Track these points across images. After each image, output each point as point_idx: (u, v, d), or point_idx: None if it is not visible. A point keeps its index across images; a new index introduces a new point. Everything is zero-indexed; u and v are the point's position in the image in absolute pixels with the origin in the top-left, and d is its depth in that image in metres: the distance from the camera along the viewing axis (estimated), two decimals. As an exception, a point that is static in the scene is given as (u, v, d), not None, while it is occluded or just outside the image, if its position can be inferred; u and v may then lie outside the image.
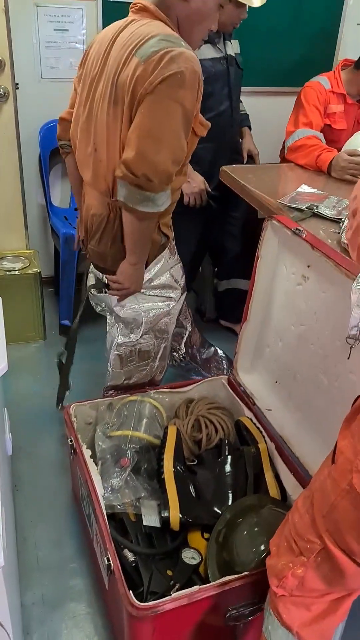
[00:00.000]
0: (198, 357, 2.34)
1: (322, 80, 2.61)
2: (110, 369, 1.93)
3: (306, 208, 1.92)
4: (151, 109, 1.41)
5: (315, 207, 1.90)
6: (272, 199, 2.04)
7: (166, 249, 1.76)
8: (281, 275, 1.79)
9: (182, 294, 1.89)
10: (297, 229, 1.60)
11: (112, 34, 1.53)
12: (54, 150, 2.79)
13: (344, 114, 2.64)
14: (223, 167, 2.41)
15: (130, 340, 1.85)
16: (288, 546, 1.10)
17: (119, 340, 1.86)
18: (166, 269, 1.80)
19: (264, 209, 2.02)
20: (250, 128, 2.79)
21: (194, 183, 2.37)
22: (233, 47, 2.47)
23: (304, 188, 2.12)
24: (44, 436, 2.23)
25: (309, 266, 1.65)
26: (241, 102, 2.66)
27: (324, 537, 1.01)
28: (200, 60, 1.50)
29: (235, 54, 2.48)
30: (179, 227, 1.86)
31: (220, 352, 2.43)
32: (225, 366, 2.38)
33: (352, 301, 1.44)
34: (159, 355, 1.93)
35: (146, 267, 1.71)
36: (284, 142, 2.75)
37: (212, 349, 2.42)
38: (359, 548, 0.96)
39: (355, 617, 1.26)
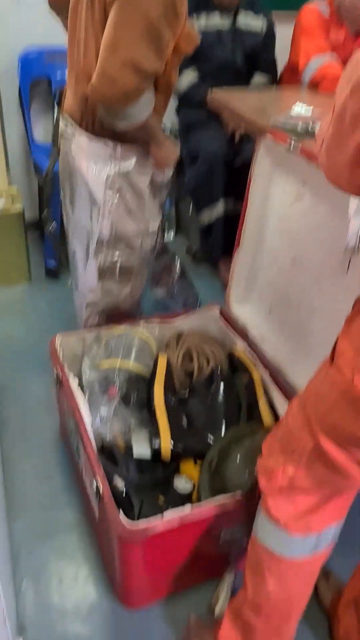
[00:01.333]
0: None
1: (321, 6, 2.47)
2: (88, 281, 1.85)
3: (300, 128, 1.82)
4: (113, 18, 1.32)
5: (310, 126, 1.80)
6: (265, 121, 1.93)
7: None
8: (275, 197, 1.70)
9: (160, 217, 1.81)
10: (292, 139, 1.50)
11: None
12: (35, 82, 2.64)
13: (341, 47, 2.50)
14: (213, 91, 2.30)
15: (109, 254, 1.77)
16: (280, 446, 1.10)
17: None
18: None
19: (256, 129, 1.91)
20: None
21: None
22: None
23: (299, 106, 2.01)
24: (31, 376, 2.17)
25: (304, 184, 1.57)
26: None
27: (319, 435, 1.00)
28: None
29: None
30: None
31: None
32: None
33: (350, 210, 1.37)
34: (139, 272, 1.86)
35: None
36: (283, 68, 2.64)
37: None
38: (357, 444, 0.96)
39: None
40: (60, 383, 1.66)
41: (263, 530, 1.15)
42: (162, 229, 1.98)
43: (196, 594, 1.45)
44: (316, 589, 1.48)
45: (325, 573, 1.51)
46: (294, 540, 1.12)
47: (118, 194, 1.62)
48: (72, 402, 1.54)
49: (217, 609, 1.39)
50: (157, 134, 1.57)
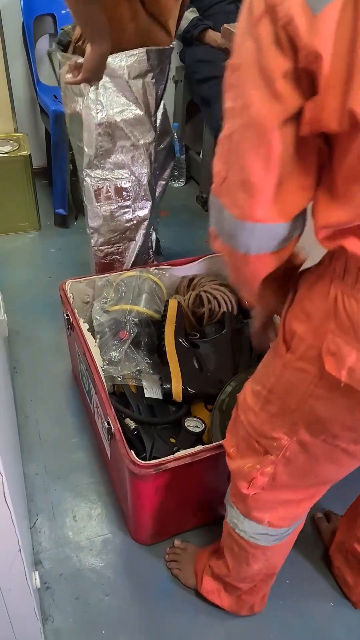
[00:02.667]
0: None
1: None
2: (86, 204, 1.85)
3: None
4: None
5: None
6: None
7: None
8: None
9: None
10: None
11: None
12: (39, 17, 2.53)
13: None
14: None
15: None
16: (249, 447, 1.02)
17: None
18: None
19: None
20: None
21: None
22: None
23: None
24: (42, 321, 2.17)
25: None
26: None
27: (295, 430, 0.92)
28: None
29: None
30: None
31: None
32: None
33: None
34: (138, 194, 1.84)
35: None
36: None
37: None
38: (342, 431, 0.88)
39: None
40: (71, 327, 1.66)
41: (244, 526, 1.12)
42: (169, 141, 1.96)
43: (205, 532, 1.48)
44: (318, 530, 1.51)
45: (327, 514, 1.54)
46: (280, 531, 1.10)
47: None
48: (84, 345, 1.54)
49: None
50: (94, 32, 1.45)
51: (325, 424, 0.88)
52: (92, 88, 1.59)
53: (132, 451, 1.26)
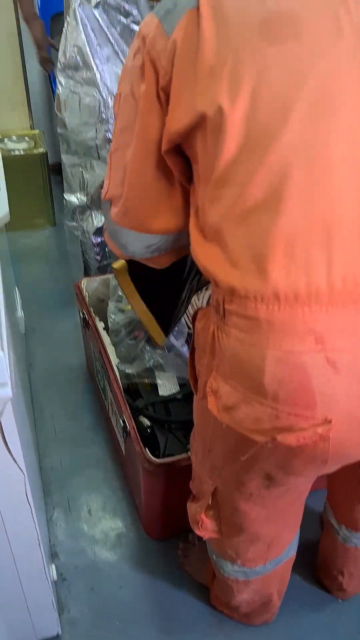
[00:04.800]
0: None
1: None
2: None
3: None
4: None
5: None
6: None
7: None
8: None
9: None
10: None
11: None
12: (55, 16, 2.55)
13: None
14: None
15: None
16: (196, 489, 1.03)
17: None
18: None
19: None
20: None
21: None
22: None
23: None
24: (58, 318, 2.21)
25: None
26: None
27: (214, 474, 0.91)
28: None
29: None
30: None
31: None
32: None
33: None
34: None
35: None
36: None
37: None
38: (247, 478, 0.85)
39: None
40: (87, 326, 1.69)
41: (220, 564, 1.10)
42: None
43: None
44: None
45: None
46: (257, 569, 1.08)
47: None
48: (99, 344, 1.57)
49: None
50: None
51: (228, 469, 0.86)
52: None
53: (147, 448, 1.29)
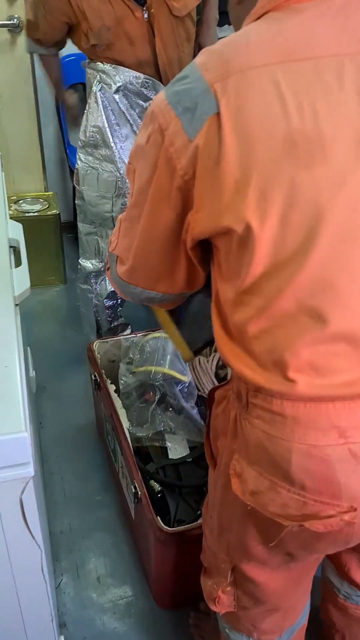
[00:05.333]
0: None
1: None
2: None
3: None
4: None
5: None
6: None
7: None
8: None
9: None
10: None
11: None
12: (71, 87, 2.69)
13: None
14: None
15: None
16: (211, 564, 1.02)
17: None
18: None
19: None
20: None
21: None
22: None
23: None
24: (68, 376, 2.23)
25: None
26: None
27: (231, 552, 0.92)
28: None
29: None
30: None
31: None
32: None
33: None
34: None
35: None
36: None
37: None
38: (267, 556, 0.86)
39: None
40: (98, 387, 1.72)
41: (235, 636, 1.09)
42: None
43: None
44: None
45: None
46: (278, 638, 1.07)
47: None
48: (110, 407, 1.59)
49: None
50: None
51: (249, 549, 0.87)
52: None
53: (158, 517, 1.29)
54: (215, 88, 0.66)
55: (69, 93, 2.09)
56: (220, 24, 2.58)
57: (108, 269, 0.96)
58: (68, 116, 2.20)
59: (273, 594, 0.96)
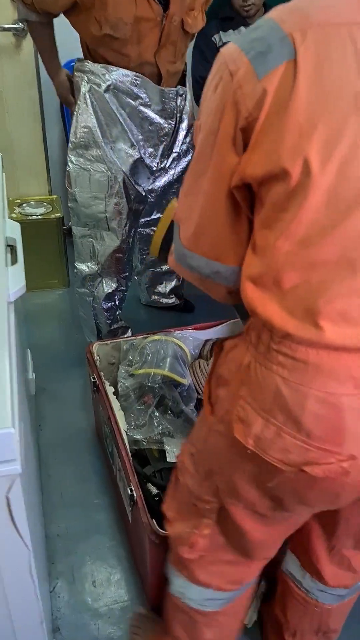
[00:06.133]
0: None
1: None
2: None
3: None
4: None
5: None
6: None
7: None
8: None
9: None
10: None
11: None
12: (75, 91, 2.70)
13: None
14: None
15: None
16: (189, 510, 1.03)
17: None
18: None
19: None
20: None
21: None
22: None
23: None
24: (68, 379, 2.22)
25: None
26: None
27: (219, 494, 0.94)
28: None
29: None
30: None
31: None
32: None
33: None
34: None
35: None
36: None
37: None
38: (258, 499, 0.89)
39: None
40: (97, 390, 1.71)
41: (191, 594, 1.10)
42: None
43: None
44: None
45: None
46: (229, 594, 1.09)
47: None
48: (108, 409, 1.58)
49: (247, 618, 1.41)
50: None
51: (240, 492, 0.90)
52: None
53: (154, 520, 1.28)
54: (294, 36, 0.68)
55: (63, 71, 1.98)
56: (225, 28, 2.59)
57: (171, 254, 0.94)
58: (59, 94, 2.06)
59: (251, 543, 0.98)
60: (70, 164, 1.89)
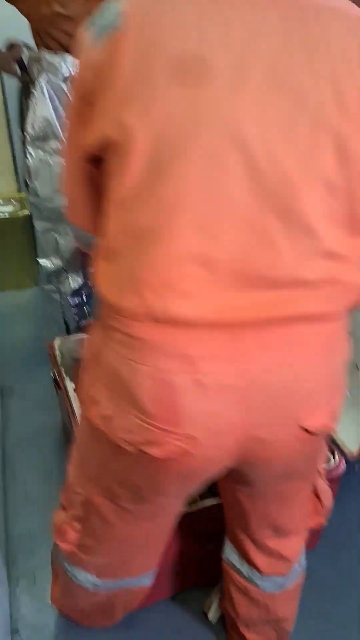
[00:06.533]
0: None
1: None
2: None
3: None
4: None
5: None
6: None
7: None
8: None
9: None
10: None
11: None
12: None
13: None
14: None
15: None
16: (67, 499, 1.04)
17: None
18: None
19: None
20: None
21: None
22: None
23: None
24: (38, 378, 2.19)
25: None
26: None
27: (86, 484, 0.94)
28: None
29: None
30: None
31: None
32: None
33: None
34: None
35: None
36: None
37: None
38: (118, 488, 0.88)
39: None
40: (58, 386, 1.68)
41: (73, 572, 1.09)
42: None
43: (199, 594, 1.45)
44: None
45: None
46: (116, 583, 1.09)
47: None
48: (68, 406, 1.55)
49: (210, 614, 1.39)
50: None
51: (100, 479, 0.90)
52: None
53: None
54: (124, 7, 0.70)
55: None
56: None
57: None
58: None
59: (116, 539, 0.97)
60: (29, 158, 1.85)
